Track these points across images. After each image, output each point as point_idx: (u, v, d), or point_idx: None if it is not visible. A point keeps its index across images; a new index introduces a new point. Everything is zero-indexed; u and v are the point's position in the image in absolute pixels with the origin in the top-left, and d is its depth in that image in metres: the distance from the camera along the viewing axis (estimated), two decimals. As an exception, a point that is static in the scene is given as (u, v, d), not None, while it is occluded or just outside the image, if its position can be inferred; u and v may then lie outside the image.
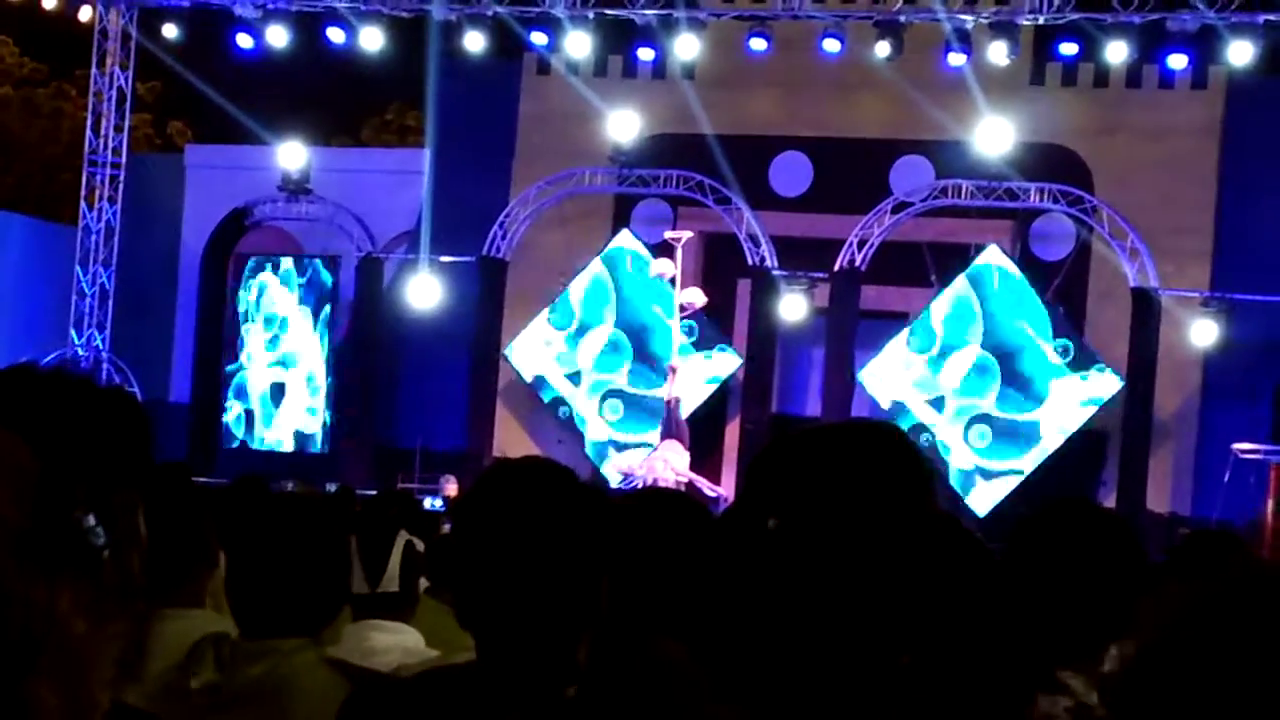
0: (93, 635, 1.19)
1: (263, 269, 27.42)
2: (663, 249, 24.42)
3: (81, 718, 1.19)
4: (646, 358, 25.65)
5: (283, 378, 27.27)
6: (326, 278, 27.19)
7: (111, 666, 1.21)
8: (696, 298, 24.14)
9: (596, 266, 26.13)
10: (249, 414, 27.35)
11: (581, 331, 26.14)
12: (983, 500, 23.85)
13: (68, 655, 1.17)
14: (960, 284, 24.32)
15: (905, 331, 24.64)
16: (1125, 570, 3.18)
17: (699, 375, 25.12)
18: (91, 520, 1.23)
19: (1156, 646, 1.28)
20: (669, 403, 23.65)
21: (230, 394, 27.39)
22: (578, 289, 26.19)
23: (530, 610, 2.70)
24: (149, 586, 1.79)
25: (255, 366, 27.38)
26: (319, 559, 3.59)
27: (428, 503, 19.46)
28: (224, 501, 3.77)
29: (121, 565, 1.62)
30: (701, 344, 25.37)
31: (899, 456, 1.75)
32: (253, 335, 27.39)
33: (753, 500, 1.75)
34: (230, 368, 27.37)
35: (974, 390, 24.16)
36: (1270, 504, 20.92)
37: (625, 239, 26.22)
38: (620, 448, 25.43)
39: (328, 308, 27.18)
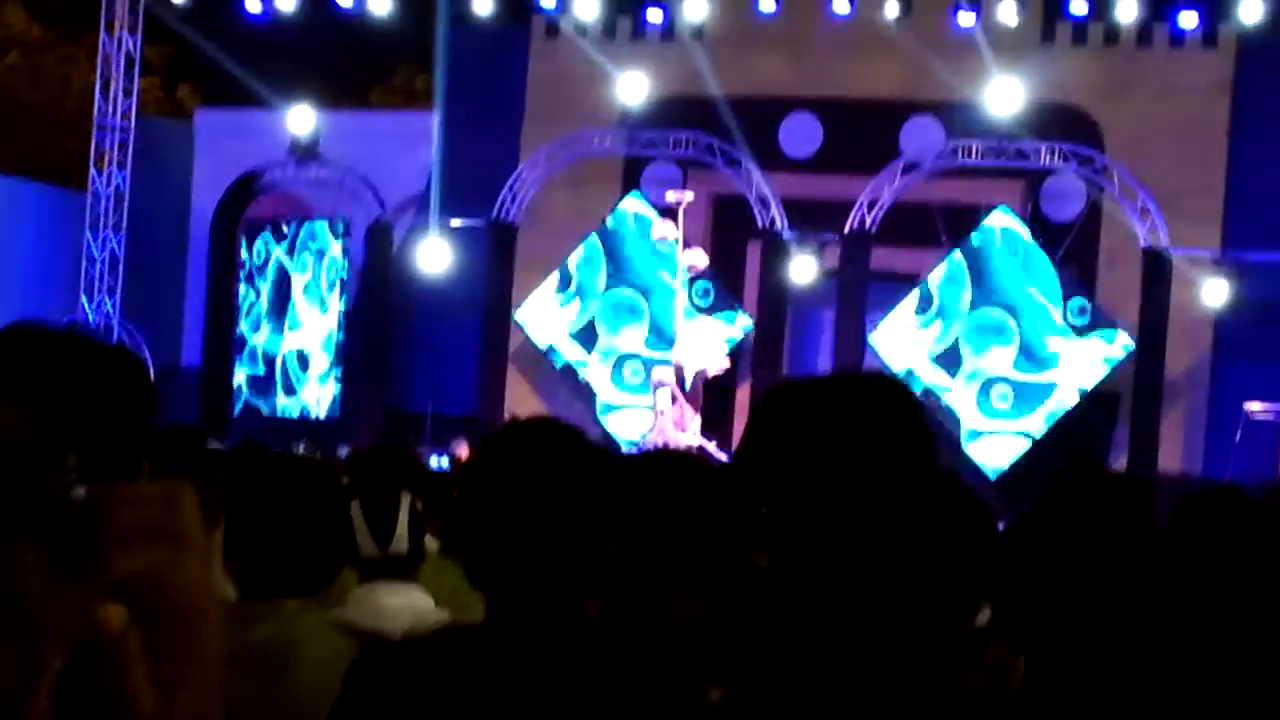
0: (50, 594, 1.16)
1: (273, 233, 27.43)
2: (667, 212, 24.44)
3: (26, 677, 1.15)
4: (655, 322, 25.58)
5: (293, 343, 27.31)
6: (337, 242, 27.19)
7: (74, 630, 1.17)
8: (699, 259, 24.12)
9: (593, 233, 26.04)
10: (260, 379, 27.39)
11: (583, 297, 26.09)
12: (995, 462, 23.82)
13: (19, 613, 1.14)
14: (963, 247, 24.30)
15: (914, 293, 24.61)
16: (1140, 532, 3.19)
17: (712, 337, 25.02)
18: (72, 472, 1.19)
19: (1144, 620, 1.27)
20: (677, 367, 23.65)
21: (241, 359, 27.42)
22: (575, 256, 26.13)
23: (539, 569, 2.71)
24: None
25: (265, 332, 27.41)
26: (315, 518, 3.60)
27: (434, 461, 19.50)
28: (227, 465, 3.78)
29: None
30: (714, 308, 25.34)
31: (901, 410, 1.74)
32: (263, 300, 27.41)
33: (753, 453, 1.74)
34: (241, 333, 27.40)
35: (987, 351, 24.12)
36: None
37: (630, 202, 26.14)
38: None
39: (338, 272, 27.18)
